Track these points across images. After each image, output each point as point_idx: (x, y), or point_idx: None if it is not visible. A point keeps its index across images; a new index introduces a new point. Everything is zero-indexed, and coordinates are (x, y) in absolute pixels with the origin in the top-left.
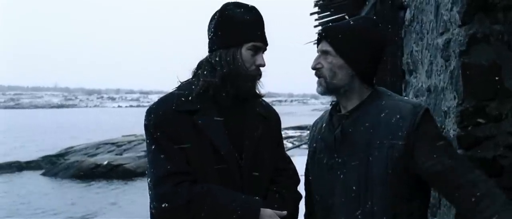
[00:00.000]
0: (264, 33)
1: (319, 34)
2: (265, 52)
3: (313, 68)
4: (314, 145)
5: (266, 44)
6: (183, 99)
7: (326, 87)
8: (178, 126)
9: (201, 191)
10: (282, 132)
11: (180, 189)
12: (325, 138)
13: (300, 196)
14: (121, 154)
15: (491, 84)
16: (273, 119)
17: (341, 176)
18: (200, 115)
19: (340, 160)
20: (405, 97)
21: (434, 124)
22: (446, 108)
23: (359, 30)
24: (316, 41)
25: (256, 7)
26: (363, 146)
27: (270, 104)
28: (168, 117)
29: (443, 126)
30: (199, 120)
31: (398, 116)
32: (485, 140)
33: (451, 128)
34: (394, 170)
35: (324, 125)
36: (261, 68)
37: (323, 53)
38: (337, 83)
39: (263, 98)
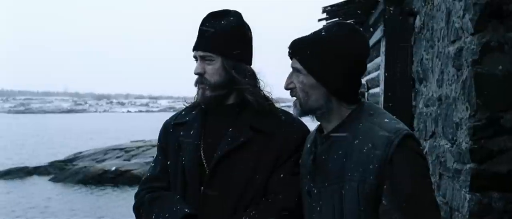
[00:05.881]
0: (199, 40)
1: (288, 49)
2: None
3: (286, 88)
4: (300, 168)
5: (200, 50)
6: (183, 113)
7: (301, 110)
8: (168, 138)
9: (149, 198)
10: None
11: (142, 193)
12: (303, 163)
13: None
14: (129, 160)
15: (505, 95)
16: (280, 135)
17: (318, 208)
18: (185, 127)
19: (315, 191)
20: (386, 119)
21: (412, 156)
22: (458, 120)
23: (330, 42)
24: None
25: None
26: (336, 177)
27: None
28: (166, 129)
29: (454, 138)
30: (181, 132)
31: (370, 145)
32: (499, 154)
33: (463, 140)
34: (366, 207)
35: (309, 146)
36: (203, 77)
37: (294, 71)
38: (312, 105)
39: (281, 110)
